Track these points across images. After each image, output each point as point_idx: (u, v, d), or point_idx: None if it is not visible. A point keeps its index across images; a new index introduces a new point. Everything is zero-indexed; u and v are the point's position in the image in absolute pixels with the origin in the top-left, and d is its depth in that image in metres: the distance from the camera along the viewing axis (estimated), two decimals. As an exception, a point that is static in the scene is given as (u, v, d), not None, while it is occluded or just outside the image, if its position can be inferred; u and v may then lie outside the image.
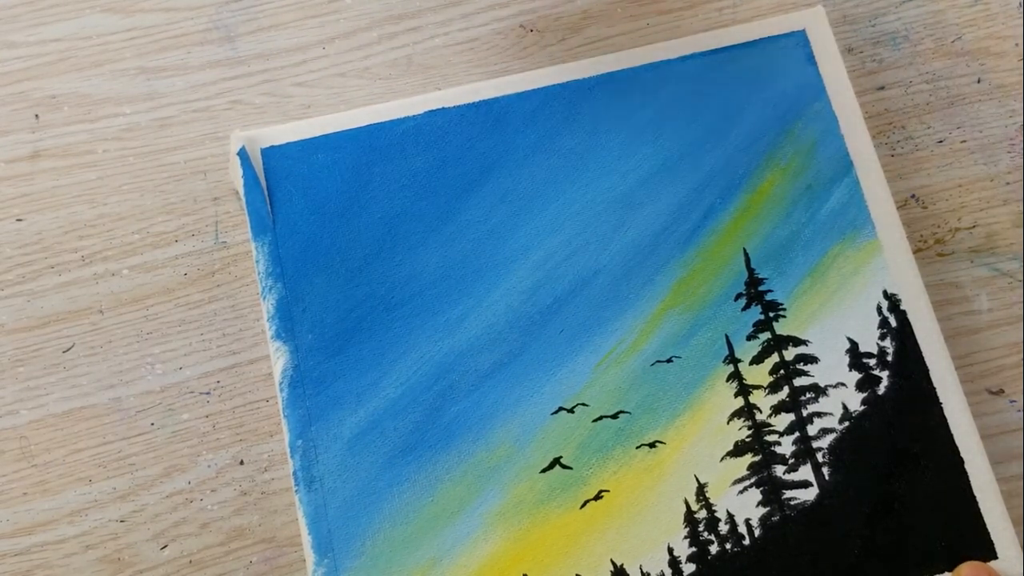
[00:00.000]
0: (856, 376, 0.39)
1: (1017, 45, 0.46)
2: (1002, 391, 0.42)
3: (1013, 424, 0.42)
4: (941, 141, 0.45)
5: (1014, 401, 0.42)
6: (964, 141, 0.45)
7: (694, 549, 0.37)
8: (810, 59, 0.42)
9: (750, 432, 0.38)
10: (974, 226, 0.44)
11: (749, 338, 0.39)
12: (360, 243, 0.40)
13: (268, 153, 0.41)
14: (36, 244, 0.43)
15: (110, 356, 0.42)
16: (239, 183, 0.41)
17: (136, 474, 0.41)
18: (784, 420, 0.39)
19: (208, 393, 0.42)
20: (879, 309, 0.39)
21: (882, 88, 0.46)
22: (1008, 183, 0.45)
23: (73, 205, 0.44)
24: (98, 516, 0.40)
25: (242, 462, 0.41)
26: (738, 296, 0.40)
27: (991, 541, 0.37)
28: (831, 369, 0.39)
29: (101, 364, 0.42)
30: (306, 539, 0.37)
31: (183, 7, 0.46)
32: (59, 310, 0.42)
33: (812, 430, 0.38)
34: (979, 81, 0.46)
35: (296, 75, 0.46)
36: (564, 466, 0.38)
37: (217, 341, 0.42)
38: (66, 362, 0.42)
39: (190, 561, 0.40)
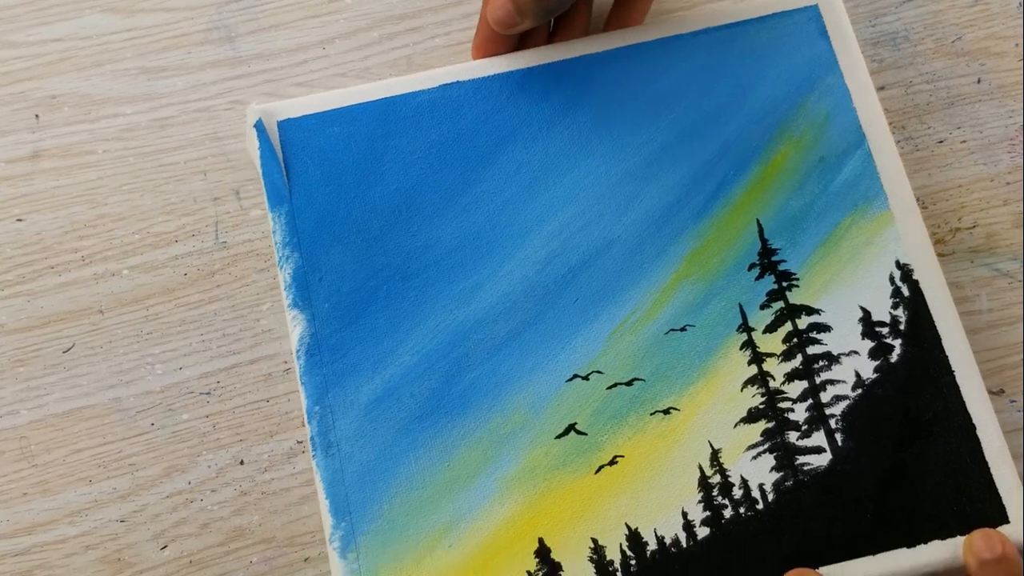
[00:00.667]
0: (869, 344, 0.39)
1: (1017, 45, 0.47)
2: (1002, 391, 0.42)
3: (1013, 424, 0.42)
4: (941, 141, 0.45)
5: (1014, 401, 0.42)
6: (964, 141, 0.45)
7: (708, 513, 0.37)
8: (822, 33, 0.42)
9: (764, 399, 0.39)
10: (974, 226, 0.44)
11: (762, 307, 0.40)
12: (376, 214, 0.40)
13: (284, 126, 0.41)
14: (36, 244, 0.43)
15: (110, 356, 0.42)
16: (255, 155, 0.41)
17: (136, 474, 0.41)
18: (797, 387, 0.39)
19: (208, 393, 0.42)
20: (892, 279, 0.40)
21: (882, 88, 0.46)
22: (1008, 183, 0.45)
23: (73, 205, 0.44)
24: (98, 516, 0.40)
25: (242, 462, 0.41)
26: (751, 266, 0.40)
27: (1003, 506, 0.37)
28: (844, 337, 0.39)
29: (101, 364, 0.42)
30: (323, 503, 0.37)
31: (183, 7, 0.46)
32: (59, 310, 0.43)
33: (825, 397, 0.39)
34: (979, 81, 0.46)
35: (296, 75, 0.46)
36: (579, 432, 0.38)
37: (217, 341, 0.42)
38: (66, 362, 0.42)
39: (190, 561, 0.40)
